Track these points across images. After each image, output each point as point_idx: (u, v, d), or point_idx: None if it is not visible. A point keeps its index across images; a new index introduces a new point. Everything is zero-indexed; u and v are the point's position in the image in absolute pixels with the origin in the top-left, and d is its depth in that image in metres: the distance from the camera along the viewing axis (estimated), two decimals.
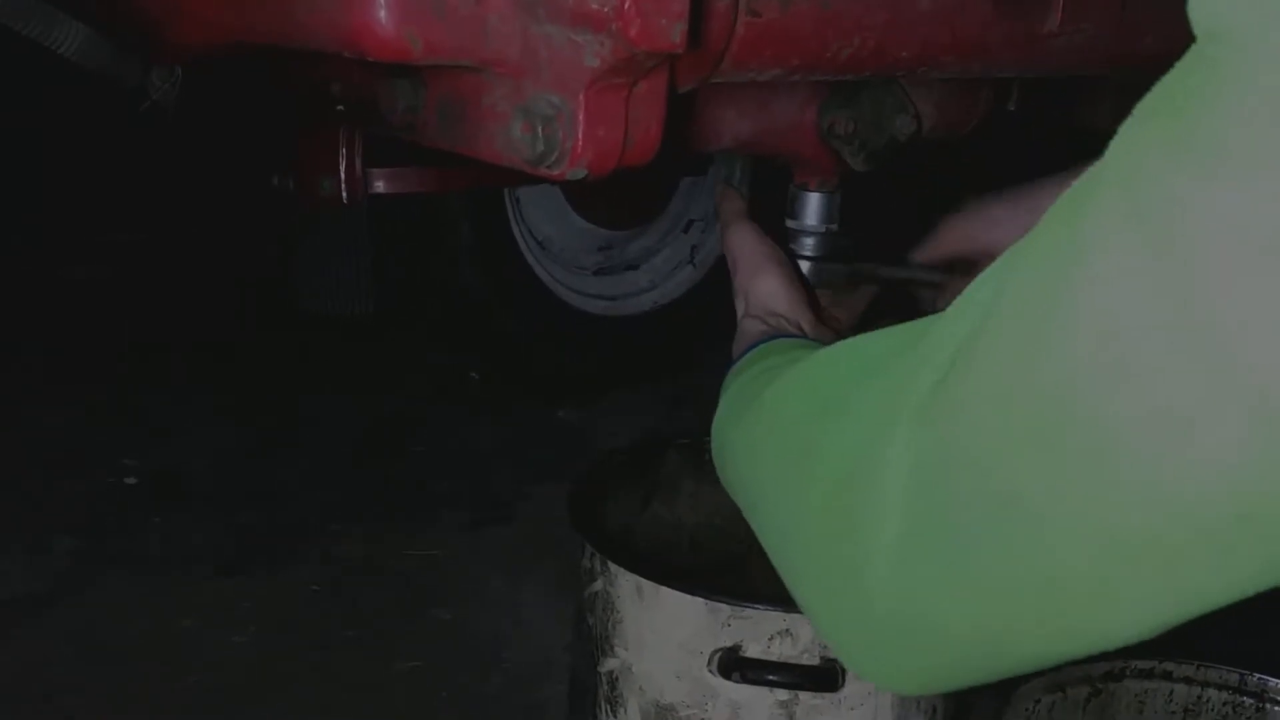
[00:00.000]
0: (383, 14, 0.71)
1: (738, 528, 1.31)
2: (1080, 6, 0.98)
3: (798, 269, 0.97)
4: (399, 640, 1.32)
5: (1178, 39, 1.20)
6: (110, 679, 1.22)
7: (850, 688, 0.97)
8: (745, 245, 0.96)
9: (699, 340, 2.10)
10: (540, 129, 0.73)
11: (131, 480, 1.64)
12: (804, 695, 0.96)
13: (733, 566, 1.31)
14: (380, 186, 1.52)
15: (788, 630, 0.95)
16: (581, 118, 0.72)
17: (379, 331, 2.04)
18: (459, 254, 1.76)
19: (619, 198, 1.94)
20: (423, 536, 1.54)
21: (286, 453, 1.75)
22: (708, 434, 1.29)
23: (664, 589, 0.98)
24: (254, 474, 1.69)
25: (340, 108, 0.94)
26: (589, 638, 1.05)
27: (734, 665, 0.96)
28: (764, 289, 0.92)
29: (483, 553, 1.52)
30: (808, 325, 0.89)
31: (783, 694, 0.96)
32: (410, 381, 2.02)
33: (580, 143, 0.73)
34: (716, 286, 2.08)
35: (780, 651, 0.96)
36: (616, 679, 1.02)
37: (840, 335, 0.93)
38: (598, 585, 1.03)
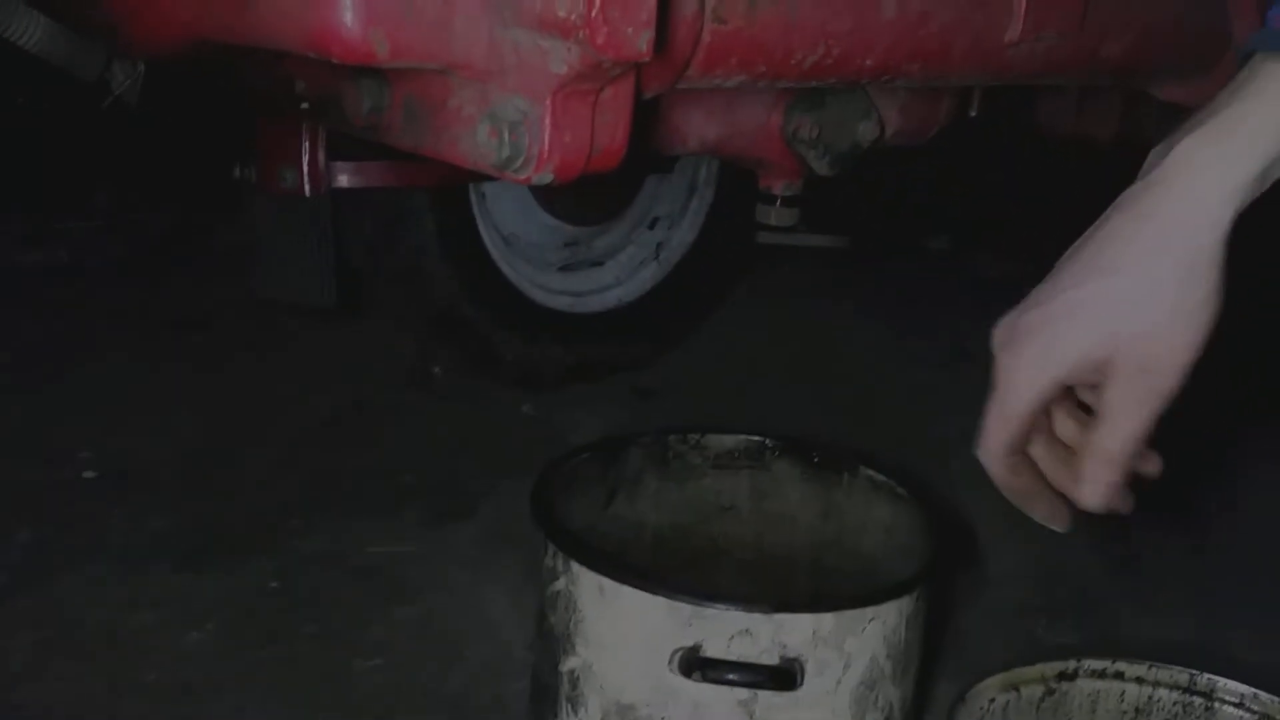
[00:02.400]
0: (348, 16, 0.71)
1: (700, 526, 1.32)
2: (1042, 15, 1.00)
3: None
4: (360, 637, 1.32)
5: (1138, 48, 1.22)
6: (67, 674, 1.21)
7: (808, 687, 0.98)
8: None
9: (663, 336, 2.11)
10: (506, 133, 0.73)
11: (90, 473, 1.62)
12: (763, 694, 0.97)
13: (695, 565, 1.32)
14: (343, 180, 1.52)
15: (748, 630, 0.96)
16: (548, 123, 0.72)
17: (342, 325, 2.04)
18: (423, 248, 1.76)
19: (584, 194, 1.94)
20: (385, 531, 1.54)
21: (247, 445, 1.74)
22: (671, 431, 1.30)
23: (625, 588, 0.98)
24: (214, 466, 1.67)
25: (305, 106, 0.94)
26: (550, 636, 1.05)
27: (694, 664, 0.96)
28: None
29: (446, 548, 1.52)
30: None
31: (742, 693, 0.97)
32: (373, 375, 2.01)
33: (546, 148, 0.73)
34: (681, 284, 2.09)
35: (740, 651, 0.97)
36: (578, 678, 1.02)
37: None
38: (560, 584, 1.03)
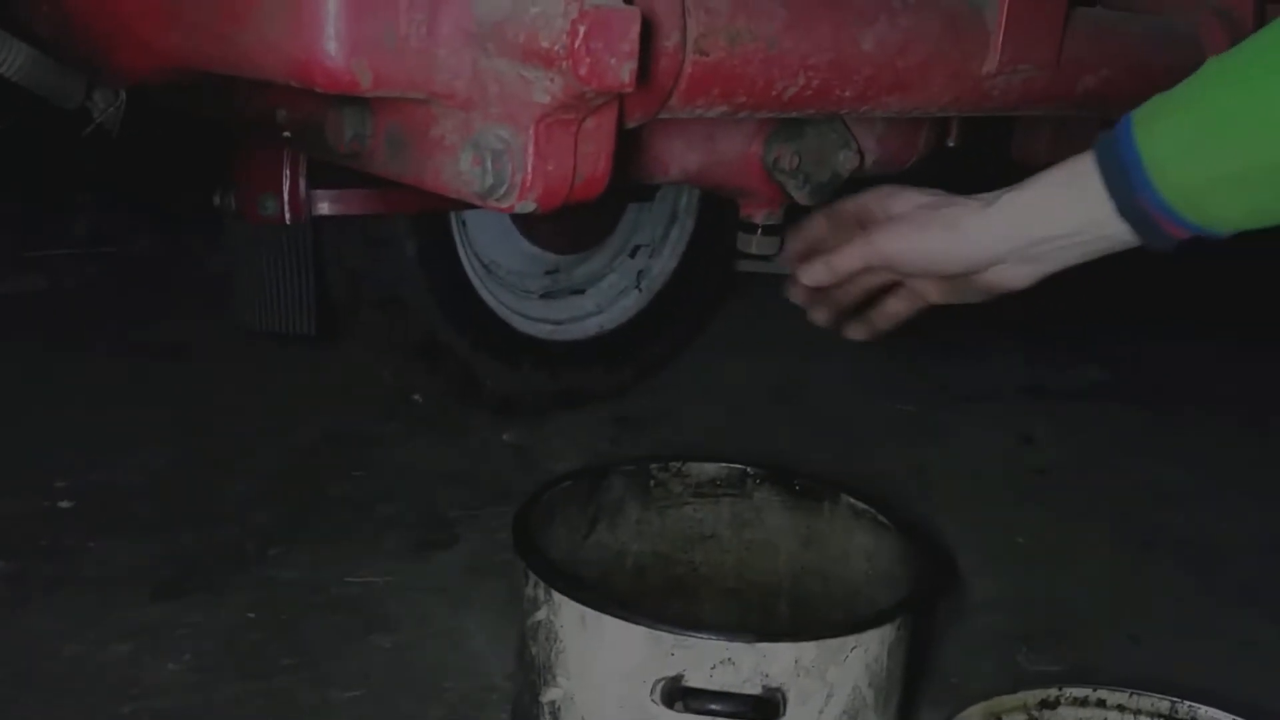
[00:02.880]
0: (332, 45, 0.71)
1: (681, 554, 1.32)
2: (1019, 48, 1.01)
3: None
4: (339, 668, 1.31)
5: (1114, 79, 1.23)
6: (43, 707, 1.20)
7: (791, 717, 0.98)
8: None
9: (644, 364, 2.11)
10: (489, 162, 0.74)
11: (66, 503, 1.61)
12: None
13: (677, 593, 1.32)
14: (324, 208, 1.52)
15: (730, 659, 0.96)
16: (531, 152, 0.73)
17: (322, 353, 2.03)
18: (404, 276, 1.76)
19: (566, 222, 1.95)
20: (365, 561, 1.53)
21: (226, 474, 1.73)
22: (653, 459, 1.30)
23: (607, 618, 0.98)
24: (192, 495, 1.66)
25: (286, 134, 0.94)
26: (531, 667, 1.05)
27: (677, 695, 0.96)
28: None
29: (426, 578, 1.51)
30: None
31: None
32: (353, 403, 2.00)
33: (529, 177, 0.73)
34: (662, 312, 2.10)
35: (723, 680, 0.96)
36: (559, 709, 1.02)
37: None
38: (541, 614, 1.03)
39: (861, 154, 1.08)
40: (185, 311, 2.31)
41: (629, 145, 0.87)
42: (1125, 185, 0.83)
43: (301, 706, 1.24)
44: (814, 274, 0.99)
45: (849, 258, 0.96)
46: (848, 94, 0.90)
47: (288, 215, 1.49)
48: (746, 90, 0.83)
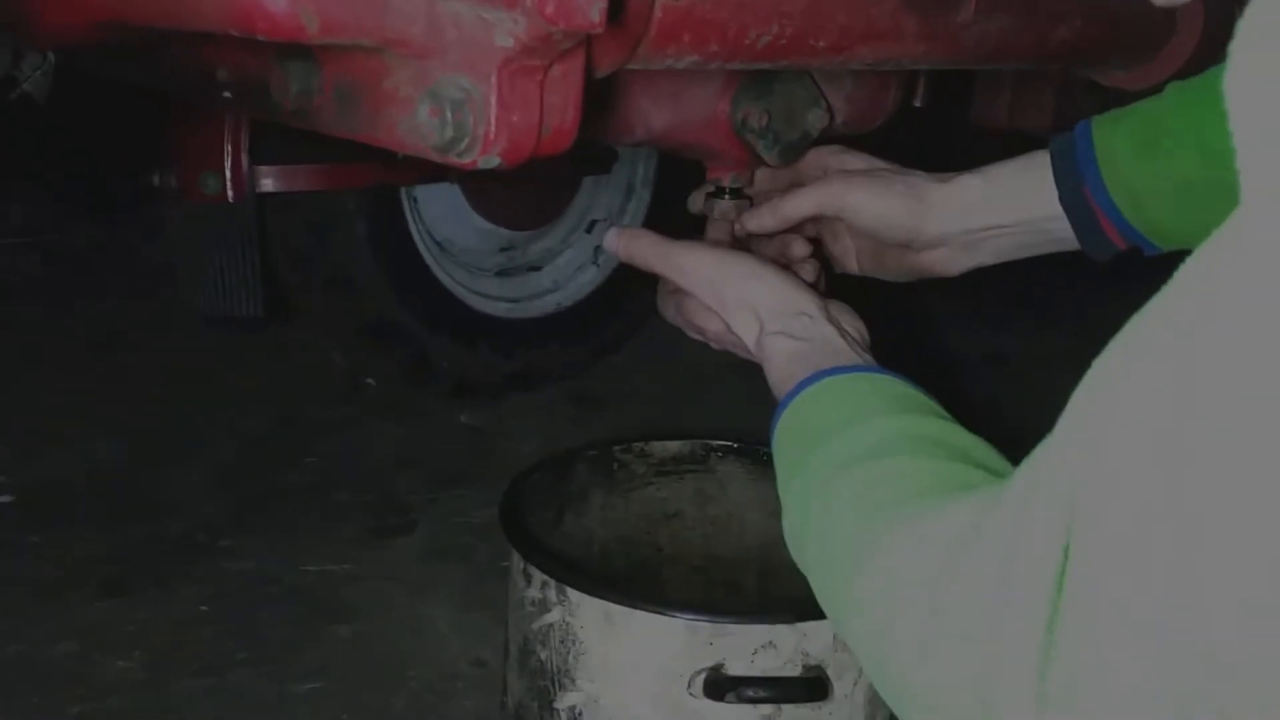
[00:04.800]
0: None
1: (645, 535, 1.29)
2: None
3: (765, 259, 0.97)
4: (296, 659, 1.26)
5: (1089, 33, 1.19)
6: None
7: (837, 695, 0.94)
8: (707, 260, 0.94)
9: (603, 341, 2.07)
10: (449, 113, 0.69)
11: (6, 498, 1.55)
12: (787, 707, 0.94)
13: (642, 575, 1.28)
14: (268, 185, 1.47)
15: (771, 643, 0.93)
16: (494, 101, 0.68)
17: (269, 337, 1.97)
18: (354, 255, 1.70)
19: (520, 197, 1.90)
20: (320, 549, 1.48)
21: (173, 463, 1.68)
22: (615, 441, 1.26)
23: (637, 613, 0.94)
24: (139, 487, 1.61)
25: (227, 94, 0.88)
26: (540, 673, 0.99)
27: (724, 685, 0.92)
28: (767, 294, 0.89)
29: (384, 564, 1.47)
30: (820, 309, 0.88)
31: (766, 708, 0.93)
32: (305, 387, 1.95)
33: (493, 129, 0.69)
34: (620, 287, 2.06)
35: (764, 665, 0.92)
36: (580, 714, 0.97)
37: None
38: (553, 616, 0.98)
39: (831, 112, 1.05)
40: (125, 298, 2.24)
41: (595, 104, 0.83)
42: (1074, 175, 0.88)
43: (259, 701, 1.20)
44: (760, 220, 1.01)
45: (802, 203, 0.98)
46: (821, 44, 0.86)
47: (230, 193, 1.45)
48: (719, 38, 0.79)
